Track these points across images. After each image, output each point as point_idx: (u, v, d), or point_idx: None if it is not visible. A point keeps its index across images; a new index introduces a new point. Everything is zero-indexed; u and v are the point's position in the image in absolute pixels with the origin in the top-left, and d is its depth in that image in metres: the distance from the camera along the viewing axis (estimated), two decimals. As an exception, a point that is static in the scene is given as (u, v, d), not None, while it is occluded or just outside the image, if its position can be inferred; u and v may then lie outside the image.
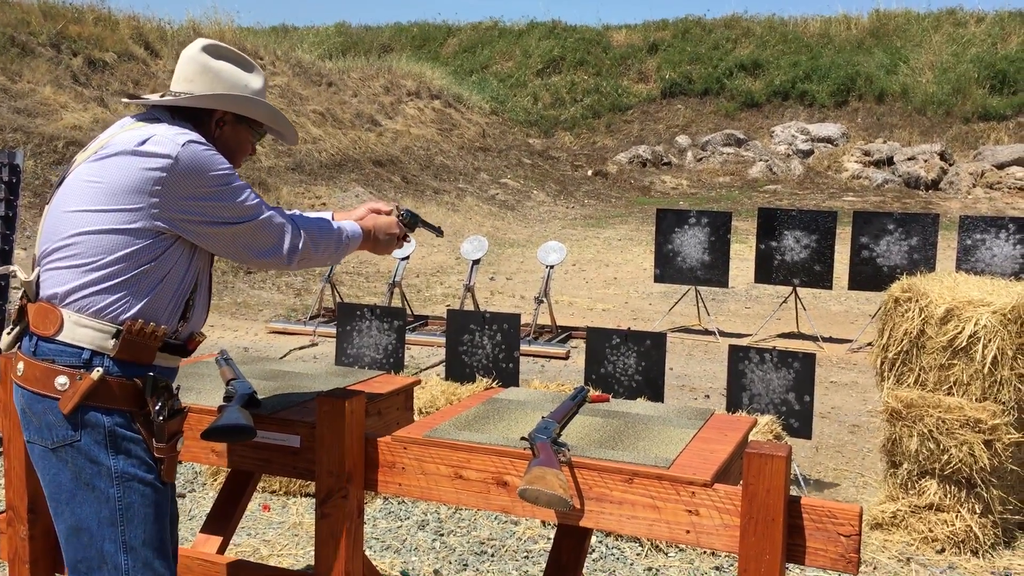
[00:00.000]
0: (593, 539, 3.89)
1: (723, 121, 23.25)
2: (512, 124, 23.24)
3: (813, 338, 7.84)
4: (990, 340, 3.91)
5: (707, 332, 8.17)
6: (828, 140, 21.55)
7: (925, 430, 3.96)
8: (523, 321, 7.98)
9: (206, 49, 2.18)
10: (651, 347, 4.84)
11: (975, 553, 3.90)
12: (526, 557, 3.77)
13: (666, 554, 3.80)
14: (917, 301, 4.11)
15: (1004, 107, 20.74)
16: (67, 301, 1.96)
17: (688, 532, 2.12)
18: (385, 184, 15.33)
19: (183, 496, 4.37)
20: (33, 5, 12.72)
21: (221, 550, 2.74)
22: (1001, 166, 18.97)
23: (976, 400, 3.97)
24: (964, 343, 3.96)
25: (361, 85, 19.31)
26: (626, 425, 2.60)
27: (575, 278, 10.87)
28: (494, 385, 4.95)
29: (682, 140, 22.80)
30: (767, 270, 7.85)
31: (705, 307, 8.25)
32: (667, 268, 8.09)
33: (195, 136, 2.02)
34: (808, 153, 21.42)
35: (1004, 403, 3.92)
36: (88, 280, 1.95)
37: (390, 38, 27.94)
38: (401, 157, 17.01)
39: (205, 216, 2.00)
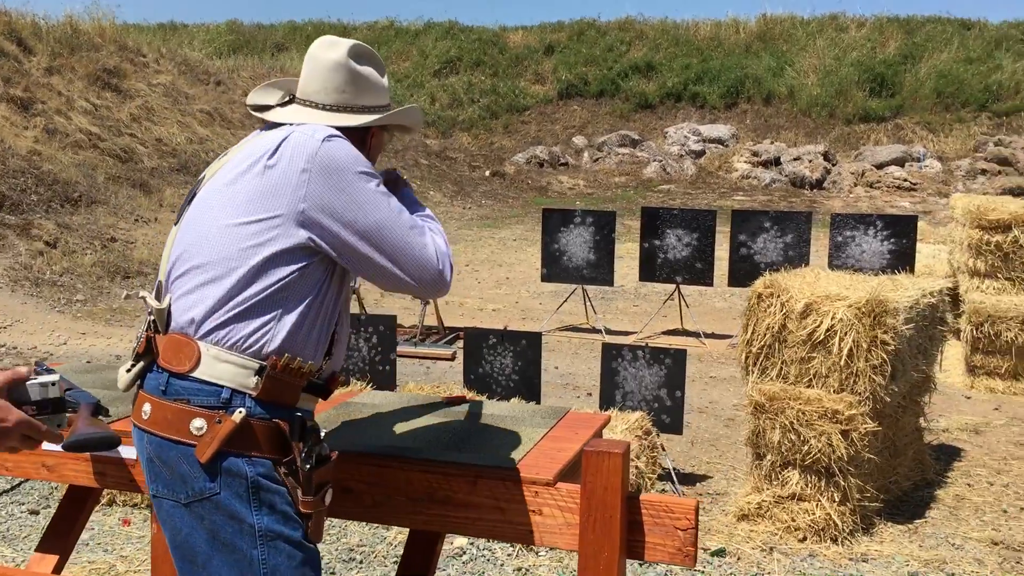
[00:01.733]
0: (464, 541, 3.87)
1: (618, 122, 23.60)
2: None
3: (696, 334, 8.00)
4: (846, 333, 4.05)
5: (594, 330, 8.25)
6: (719, 141, 22.09)
7: (787, 422, 4.07)
8: (410, 323, 7.94)
9: (353, 54, 1.93)
10: (527, 347, 4.85)
11: (835, 540, 4.03)
12: (395, 562, 3.72)
13: (536, 553, 3.81)
14: (779, 297, 4.22)
15: (883, 109, 21.62)
16: (203, 331, 1.72)
17: (532, 532, 2.11)
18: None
19: (37, 513, 4.17)
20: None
21: (58, 569, 2.61)
22: (880, 166, 19.77)
23: (834, 392, 4.10)
24: (822, 336, 4.09)
25: (251, 84, 18.87)
26: (477, 426, 2.58)
27: (468, 279, 10.85)
28: (367, 388, 4.89)
29: (578, 141, 23.05)
30: (651, 268, 7.98)
31: (592, 306, 8.34)
32: (554, 267, 8.15)
33: (335, 132, 1.82)
34: (700, 154, 21.91)
35: (860, 394, 4.06)
36: (227, 306, 1.72)
37: (284, 37, 27.43)
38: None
39: (347, 220, 1.75)
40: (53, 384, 1.66)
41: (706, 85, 23.27)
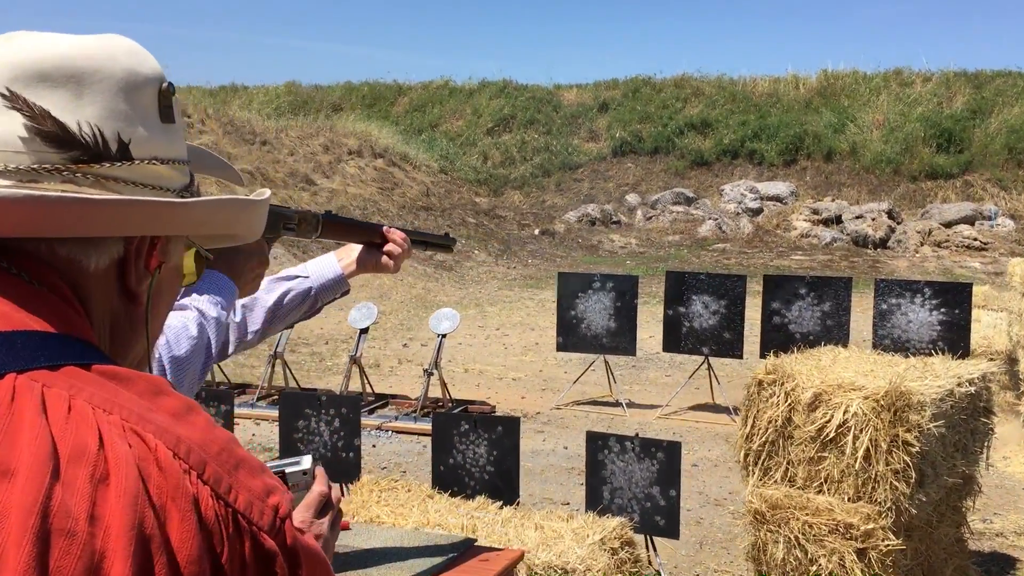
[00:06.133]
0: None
1: (673, 179, 23.05)
2: (460, 183, 22.87)
3: (727, 410, 7.31)
4: (861, 431, 3.40)
5: (616, 404, 7.62)
6: (777, 199, 21.36)
7: (791, 536, 3.42)
8: (415, 395, 7.42)
9: None
10: (503, 434, 4.27)
11: None
12: None
13: None
14: (783, 384, 3.59)
15: (951, 165, 20.66)
16: None
17: None
18: (312, 245, 14.79)
19: None
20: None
21: None
22: (948, 224, 18.79)
23: (849, 500, 3.43)
24: (833, 434, 3.44)
25: (299, 144, 18.88)
26: (346, 564, 2.04)
27: (495, 344, 10.32)
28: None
29: (632, 199, 22.53)
30: (675, 338, 7.35)
31: (612, 377, 7.72)
32: (570, 337, 7.57)
33: None
34: (757, 211, 21.19)
35: (880, 503, 3.39)
36: None
37: (340, 97, 27.65)
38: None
39: None
40: (304, 473, 1.30)
41: (764, 142, 22.62)
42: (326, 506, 1.11)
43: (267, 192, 0.94)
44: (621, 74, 31.53)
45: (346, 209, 17.21)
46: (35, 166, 0.74)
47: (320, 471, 1.17)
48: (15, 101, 0.74)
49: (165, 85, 0.81)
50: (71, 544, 0.60)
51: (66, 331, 0.72)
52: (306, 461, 1.22)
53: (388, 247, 1.91)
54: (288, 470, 1.23)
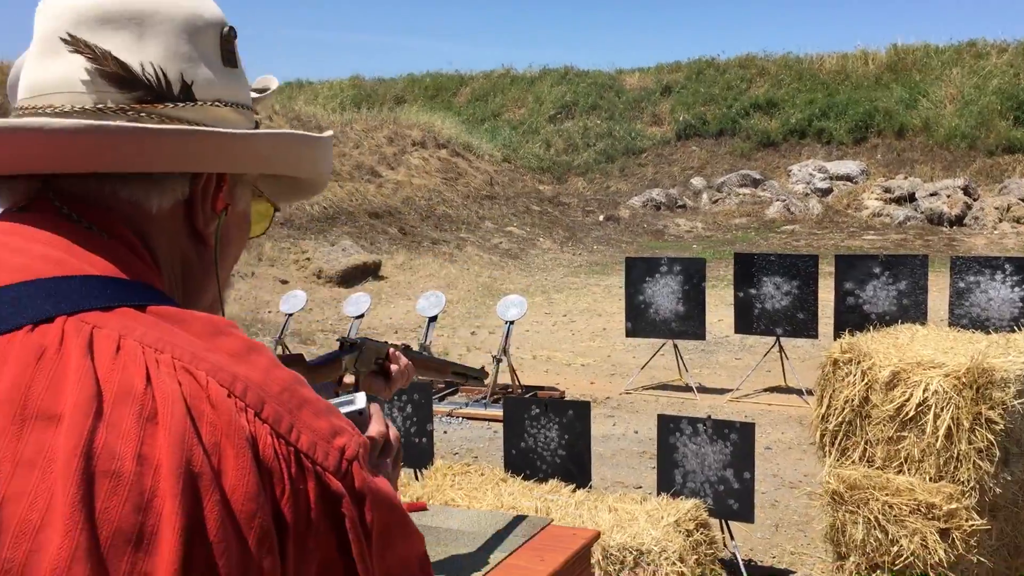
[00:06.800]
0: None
1: (739, 162, 22.70)
2: (523, 171, 22.87)
3: (799, 392, 7.20)
4: (942, 409, 3.32)
5: (687, 388, 7.56)
6: (847, 178, 20.88)
7: (871, 516, 3.36)
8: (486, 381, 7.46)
9: None
10: (574, 418, 4.28)
11: (935, 665, 3.27)
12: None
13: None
14: (859, 363, 3.53)
15: (1030, 138, 19.96)
16: None
17: None
18: (380, 236, 14.96)
19: None
20: None
21: None
22: (1028, 199, 18.14)
23: (930, 479, 3.36)
24: (912, 412, 3.37)
25: (364, 136, 19.08)
26: (428, 545, 2.05)
27: (562, 331, 10.32)
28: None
29: (697, 182, 22.27)
30: (747, 320, 7.25)
31: (682, 361, 7.65)
32: (639, 322, 7.52)
33: None
34: (827, 192, 20.76)
35: (963, 483, 3.31)
36: None
37: (403, 89, 27.85)
38: (401, 208, 16.66)
39: None
40: (360, 413, 1.20)
41: (832, 120, 22.13)
42: (386, 446, 1.03)
43: (330, 131, 0.92)
44: (684, 56, 31.10)
45: (412, 200, 17.36)
46: (100, 106, 0.73)
47: (376, 409, 1.07)
48: (77, 44, 0.73)
49: (227, 29, 0.80)
50: (117, 485, 0.58)
51: (125, 276, 0.71)
52: (360, 400, 1.11)
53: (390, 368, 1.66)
54: (343, 410, 1.09)
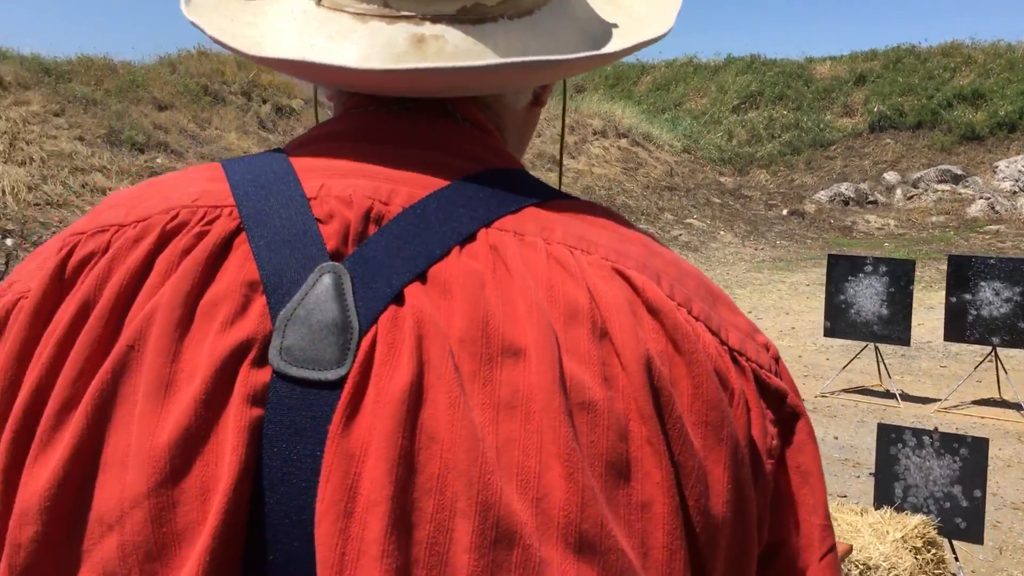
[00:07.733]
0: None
1: (938, 156, 21.37)
2: (704, 162, 22.41)
3: (1017, 406, 6.69)
4: None
5: (888, 395, 7.17)
6: (1062, 175, 19.29)
7: None
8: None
9: None
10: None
11: None
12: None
13: None
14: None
15: None
16: None
17: None
18: (560, 225, 15.02)
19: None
20: (228, 56, 13.44)
21: None
22: None
23: None
24: None
25: (546, 125, 19.17)
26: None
27: (748, 327, 10.03)
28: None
29: (890, 177, 21.14)
30: (959, 327, 6.79)
31: (885, 366, 7.26)
32: (839, 322, 7.19)
33: None
34: (1037, 190, 19.26)
35: None
36: None
37: (584, 79, 27.78)
38: (581, 198, 16.67)
39: None
40: None
41: (1047, 113, 20.48)
42: None
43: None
44: (880, 44, 29.57)
45: (592, 190, 17.35)
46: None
47: None
48: None
49: None
50: (594, 416, 0.54)
51: (510, 165, 0.67)
52: None
53: None
54: None
